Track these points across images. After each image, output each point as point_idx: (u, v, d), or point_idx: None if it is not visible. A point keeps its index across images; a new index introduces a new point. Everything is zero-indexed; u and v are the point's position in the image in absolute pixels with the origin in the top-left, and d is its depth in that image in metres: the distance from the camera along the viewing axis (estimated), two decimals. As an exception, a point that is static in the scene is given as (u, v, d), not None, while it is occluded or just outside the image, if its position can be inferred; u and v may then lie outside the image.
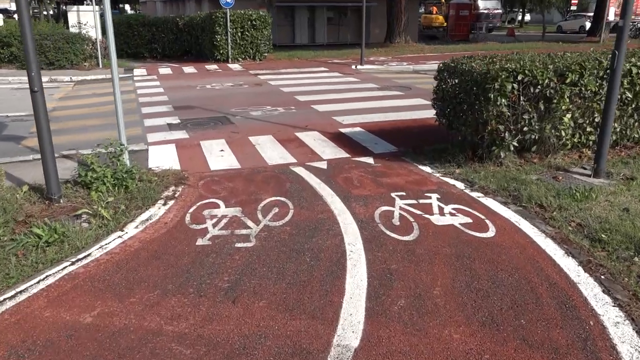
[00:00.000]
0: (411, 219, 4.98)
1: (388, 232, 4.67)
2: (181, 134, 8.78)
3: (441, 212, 5.15)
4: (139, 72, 17.33)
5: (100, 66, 17.69)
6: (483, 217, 5.03)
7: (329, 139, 8.29)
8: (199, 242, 4.53)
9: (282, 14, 33.98)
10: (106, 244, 4.53)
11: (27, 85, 5.72)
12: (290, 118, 9.93)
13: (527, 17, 64.95)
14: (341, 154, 7.47)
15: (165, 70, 17.92)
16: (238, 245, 4.46)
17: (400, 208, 5.27)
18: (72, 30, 18.34)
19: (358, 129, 9.01)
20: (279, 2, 30.43)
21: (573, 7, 53.75)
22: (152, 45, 22.34)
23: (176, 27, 21.93)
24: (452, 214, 5.11)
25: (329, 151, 7.60)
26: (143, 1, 69.60)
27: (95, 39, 17.46)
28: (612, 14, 24.79)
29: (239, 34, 19.03)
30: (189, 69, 18.00)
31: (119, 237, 4.70)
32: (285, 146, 7.90)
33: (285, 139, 8.36)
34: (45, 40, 16.97)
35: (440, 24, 42.05)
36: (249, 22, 19.05)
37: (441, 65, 7.39)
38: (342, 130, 8.90)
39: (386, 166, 6.82)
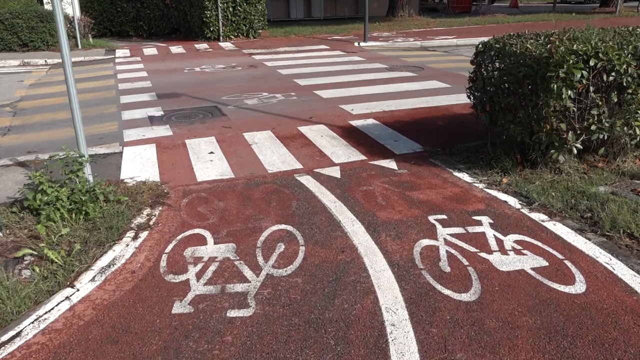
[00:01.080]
0: (464, 261, 3.69)
1: (438, 287, 3.39)
2: (164, 130, 7.42)
3: (502, 249, 3.87)
4: (122, 53, 15.80)
5: (79, 47, 16.14)
6: (561, 256, 3.74)
7: (339, 135, 6.95)
8: (177, 308, 3.23)
9: (276, -14, 32.03)
10: (46, 314, 3.23)
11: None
12: (291, 107, 8.56)
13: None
14: (356, 155, 6.15)
15: (150, 50, 16.39)
16: (231, 313, 3.17)
17: (446, 242, 3.98)
18: (47, 7, 16.70)
19: (371, 120, 7.66)
20: (273, -27, 28.56)
21: (578, -24, 51.57)
22: (137, 22, 20.70)
23: (163, 3, 20.25)
24: (517, 252, 3.82)
25: (341, 152, 6.28)
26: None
27: (73, 17, 15.86)
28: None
29: (231, 9, 17.44)
30: (176, 49, 16.47)
31: (67, 298, 3.40)
32: (287, 145, 6.57)
33: (287, 135, 7.02)
34: (16, 19, 15.38)
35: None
36: (242, -4, 17.45)
37: (480, 45, 6.03)
38: (353, 122, 7.56)
39: (414, 173, 5.51)
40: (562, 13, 25.69)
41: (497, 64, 5.58)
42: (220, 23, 17.42)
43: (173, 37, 20.37)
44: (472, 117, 6.27)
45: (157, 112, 8.52)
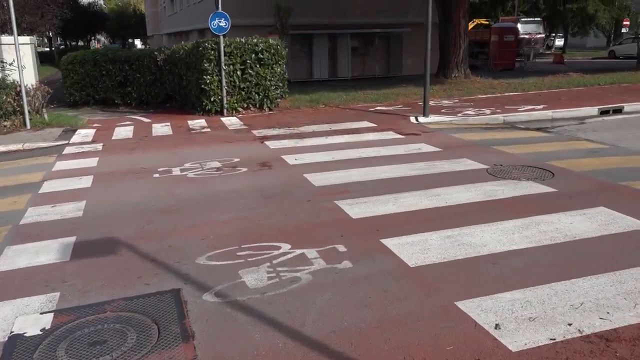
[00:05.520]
0: None
1: None
2: None
3: None
4: (82, 135, 11.24)
5: (28, 126, 11.63)
6: None
7: None
8: None
9: (297, 43, 28.15)
10: None
11: None
12: (348, 302, 3.63)
13: (559, 42, 58.93)
14: None
15: (126, 130, 11.81)
16: None
17: None
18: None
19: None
20: (294, 29, 24.61)
21: (624, 30, 47.55)
22: (125, 88, 16.43)
23: (155, 65, 15.98)
24: None
25: None
26: (150, 35, 65.20)
27: (20, 86, 11.41)
28: None
29: (238, 72, 12.93)
30: (161, 128, 11.87)
31: None
32: None
33: None
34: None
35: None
36: (254, 55, 12.97)
37: None
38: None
39: None
40: (648, 71, 20.90)
41: None
42: (224, 91, 12.88)
43: (168, 106, 15.97)
44: None
45: (35, 324, 3.65)
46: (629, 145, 8.68)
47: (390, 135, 10.08)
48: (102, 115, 14.57)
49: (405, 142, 9.34)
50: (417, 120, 11.54)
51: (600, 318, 3.48)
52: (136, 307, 3.83)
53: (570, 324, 3.41)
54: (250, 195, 6.47)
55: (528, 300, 3.72)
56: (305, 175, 7.29)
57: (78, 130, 11.70)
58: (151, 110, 15.33)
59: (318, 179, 7.04)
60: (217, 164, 8.14)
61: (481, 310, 3.62)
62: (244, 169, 7.77)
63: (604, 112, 12.18)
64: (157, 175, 7.62)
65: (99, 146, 9.98)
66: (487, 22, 39.24)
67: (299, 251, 4.70)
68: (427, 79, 11.68)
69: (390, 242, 4.82)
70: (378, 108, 13.68)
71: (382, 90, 17.39)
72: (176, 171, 7.79)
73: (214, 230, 5.31)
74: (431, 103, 13.43)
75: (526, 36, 35.97)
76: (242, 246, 4.86)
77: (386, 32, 29.39)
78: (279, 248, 4.79)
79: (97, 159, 8.86)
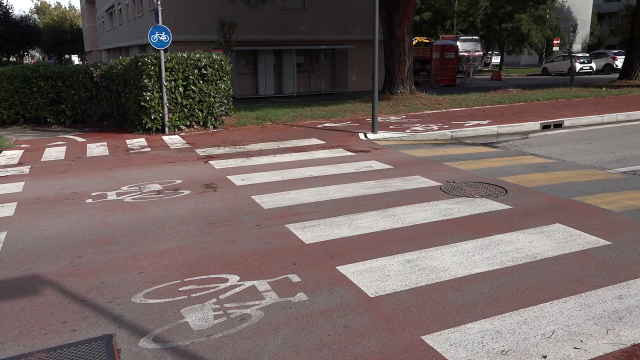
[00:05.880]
0: None
1: None
2: None
3: None
4: (10, 155, 10.35)
5: (-55, 148, 10.61)
6: None
7: None
8: None
9: (242, 59, 27.79)
10: None
11: None
12: (309, 345, 3.24)
13: (495, 59, 61.44)
14: None
15: (56, 151, 10.98)
16: None
17: None
18: None
19: None
20: (239, 44, 24.25)
21: (555, 48, 50.11)
22: (58, 106, 15.44)
23: (91, 81, 15.14)
24: None
25: None
26: (89, 51, 62.75)
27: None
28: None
29: (180, 89, 12.37)
30: (97, 148, 11.13)
31: None
32: None
33: None
34: None
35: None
36: (197, 71, 12.46)
37: None
38: None
39: None
40: (581, 87, 21.88)
41: None
42: (166, 109, 12.28)
43: (105, 125, 15.13)
44: None
45: None
46: (574, 159, 8.81)
47: (340, 152, 9.83)
48: (32, 135, 13.59)
49: (356, 160, 9.10)
50: (366, 136, 11.37)
51: (575, 348, 3.26)
52: (60, 359, 3.29)
53: (544, 357, 3.17)
54: (194, 221, 5.99)
55: (498, 331, 3.47)
56: (253, 197, 6.87)
57: (3, 152, 10.77)
58: (87, 129, 14.46)
59: (267, 201, 6.64)
60: (158, 187, 7.57)
61: (450, 344, 3.32)
62: (187, 192, 7.26)
63: (545, 127, 12.45)
64: (90, 200, 6.97)
65: (26, 169, 9.16)
66: (428, 41, 40.33)
67: (248, 283, 4.27)
68: (375, 95, 11.56)
69: (347, 270, 4.49)
70: (326, 125, 13.45)
71: (330, 106, 17.24)
72: (112, 196, 7.17)
73: (154, 262, 4.79)
74: (379, 119, 13.38)
75: (465, 54, 37.21)
76: (185, 280, 4.39)
77: (331, 48, 29.53)
78: (226, 280, 4.35)
79: (22, 183, 8.09)
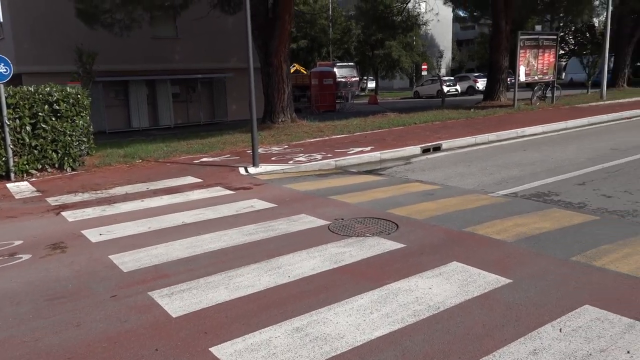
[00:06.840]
0: None
1: None
2: None
3: None
4: None
5: None
6: None
7: None
8: None
9: (111, 91, 25.84)
10: None
11: None
12: None
13: (371, 84, 64.25)
14: None
15: None
16: None
17: None
18: None
19: None
20: (105, 75, 22.41)
21: (424, 73, 53.53)
22: None
23: None
24: None
25: None
26: None
27: None
28: (522, 73, 21.25)
29: (28, 127, 10.67)
30: None
31: None
32: None
33: None
34: None
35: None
36: (47, 107, 10.86)
37: None
38: None
39: None
40: (451, 109, 23.06)
41: None
42: (10, 151, 10.50)
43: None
44: None
45: None
46: (457, 184, 8.74)
47: (219, 191, 8.92)
48: None
49: (236, 199, 8.25)
50: (247, 171, 10.57)
51: None
52: None
53: None
54: (29, 297, 4.74)
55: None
56: (111, 257, 5.73)
57: None
58: None
59: (128, 261, 5.55)
60: (-12, 253, 6.11)
61: None
62: (27, 257, 5.90)
63: (425, 151, 12.57)
64: None
65: None
66: (305, 71, 40.93)
67: (91, 390, 3.23)
68: (254, 126, 10.86)
69: (224, 352, 3.61)
70: (204, 159, 12.45)
71: (208, 138, 16.23)
72: None
73: (-41, 371, 3.55)
74: (260, 150, 12.68)
75: (343, 79, 38.16)
76: (2, 395, 3.23)
77: (208, 77, 28.59)
78: (60, 389, 3.27)
79: None
